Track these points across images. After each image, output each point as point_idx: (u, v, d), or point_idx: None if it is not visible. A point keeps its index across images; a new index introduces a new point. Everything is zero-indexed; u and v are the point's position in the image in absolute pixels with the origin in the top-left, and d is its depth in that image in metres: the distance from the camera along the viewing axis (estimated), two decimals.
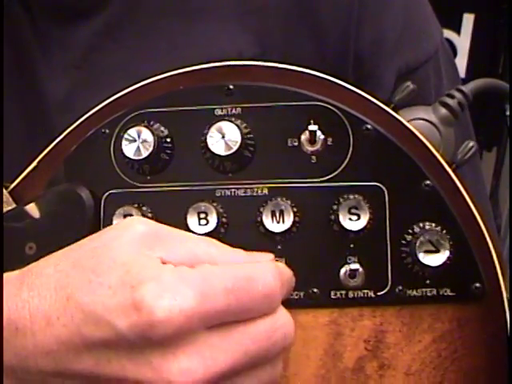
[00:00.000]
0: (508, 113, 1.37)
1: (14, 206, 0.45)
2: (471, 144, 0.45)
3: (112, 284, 0.35)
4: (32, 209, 0.45)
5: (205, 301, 0.35)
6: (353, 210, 0.42)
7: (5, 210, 0.45)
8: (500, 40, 1.40)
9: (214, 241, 0.39)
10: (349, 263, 0.43)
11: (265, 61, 0.45)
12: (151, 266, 0.35)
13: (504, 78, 1.37)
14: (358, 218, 0.42)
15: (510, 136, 1.43)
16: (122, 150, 0.43)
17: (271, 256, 0.41)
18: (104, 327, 0.34)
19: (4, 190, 0.46)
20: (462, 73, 1.40)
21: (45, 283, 0.36)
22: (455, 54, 1.40)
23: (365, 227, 0.42)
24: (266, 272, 0.38)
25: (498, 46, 1.41)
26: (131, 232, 0.37)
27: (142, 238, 0.37)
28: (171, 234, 0.38)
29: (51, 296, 0.36)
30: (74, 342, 0.35)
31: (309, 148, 0.43)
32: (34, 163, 0.47)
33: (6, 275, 0.39)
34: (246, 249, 0.43)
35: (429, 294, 0.43)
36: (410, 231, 0.43)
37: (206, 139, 0.42)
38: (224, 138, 0.42)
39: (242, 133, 0.42)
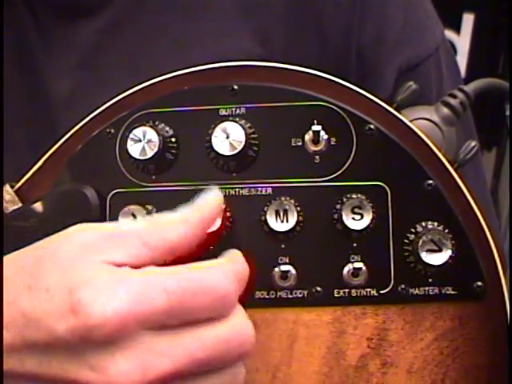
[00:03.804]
0: (508, 113, 1.38)
1: (20, 205, 0.46)
2: (473, 144, 0.45)
3: (50, 287, 0.35)
4: (38, 208, 0.45)
5: (140, 302, 0.34)
6: (356, 210, 0.43)
7: (11, 208, 0.46)
8: (500, 40, 1.41)
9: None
10: (352, 262, 0.43)
11: (269, 61, 0.45)
12: (89, 268, 0.35)
13: (504, 78, 1.37)
14: (361, 218, 0.43)
15: (509, 136, 1.43)
16: (127, 149, 0.43)
17: (238, 253, 0.39)
18: (44, 331, 0.34)
19: (10, 189, 0.46)
20: (462, 72, 1.40)
21: None
22: (455, 53, 1.40)
23: (368, 226, 0.42)
24: (217, 272, 0.36)
25: (498, 46, 1.42)
26: (73, 238, 0.37)
27: (83, 243, 0.36)
28: (112, 236, 0.37)
29: None
30: (17, 345, 0.35)
31: (312, 148, 0.44)
32: (40, 163, 0.47)
33: None
34: (250, 248, 0.44)
35: (431, 293, 0.43)
36: (413, 230, 0.43)
37: (210, 139, 0.43)
38: (228, 138, 0.43)
39: (246, 133, 0.43)
